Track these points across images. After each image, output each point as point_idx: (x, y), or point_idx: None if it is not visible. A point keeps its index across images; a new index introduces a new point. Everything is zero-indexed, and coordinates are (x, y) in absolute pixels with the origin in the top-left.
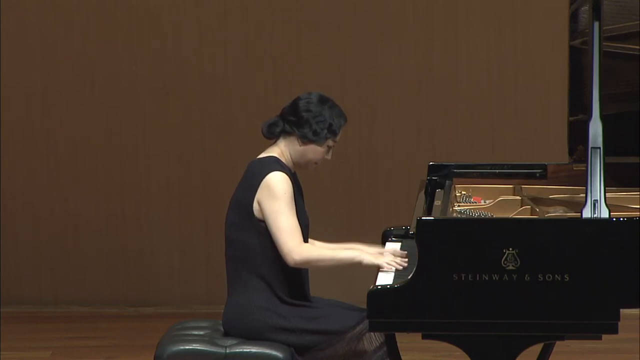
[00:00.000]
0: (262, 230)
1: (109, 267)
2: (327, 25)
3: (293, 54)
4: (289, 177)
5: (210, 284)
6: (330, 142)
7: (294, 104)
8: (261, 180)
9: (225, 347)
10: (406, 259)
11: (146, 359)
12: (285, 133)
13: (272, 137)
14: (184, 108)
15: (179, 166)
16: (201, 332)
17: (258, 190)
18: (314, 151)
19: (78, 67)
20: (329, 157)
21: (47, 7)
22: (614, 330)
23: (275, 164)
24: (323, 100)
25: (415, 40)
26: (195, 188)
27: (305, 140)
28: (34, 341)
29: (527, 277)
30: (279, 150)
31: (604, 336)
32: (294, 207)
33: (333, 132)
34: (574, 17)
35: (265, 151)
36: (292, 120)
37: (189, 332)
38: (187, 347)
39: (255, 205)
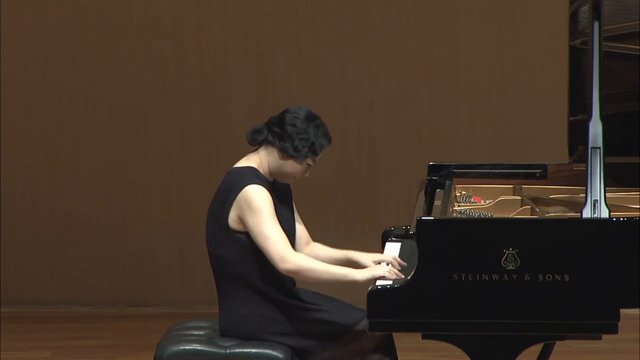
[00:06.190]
0: (239, 242)
1: (109, 267)
2: (327, 25)
3: (293, 54)
4: (266, 188)
5: (210, 284)
6: (309, 161)
7: (281, 116)
8: (237, 194)
9: (225, 347)
10: (405, 263)
11: (146, 359)
12: (267, 142)
13: (254, 144)
14: (184, 108)
15: (179, 166)
16: (201, 332)
17: (235, 204)
18: (292, 166)
19: (78, 67)
20: (307, 174)
21: (47, 7)
22: (614, 330)
23: (252, 176)
24: (310, 117)
25: (415, 40)
26: (195, 188)
27: (285, 154)
28: (34, 341)
29: (527, 277)
30: (258, 159)
31: (604, 336)
32: (276, 217)
33: (314, 152)
34: (574, 17)
35: (245, 159)
36: (276, 132)
37: (189, 332)
38: (187, 347)
39: (231, 217)
